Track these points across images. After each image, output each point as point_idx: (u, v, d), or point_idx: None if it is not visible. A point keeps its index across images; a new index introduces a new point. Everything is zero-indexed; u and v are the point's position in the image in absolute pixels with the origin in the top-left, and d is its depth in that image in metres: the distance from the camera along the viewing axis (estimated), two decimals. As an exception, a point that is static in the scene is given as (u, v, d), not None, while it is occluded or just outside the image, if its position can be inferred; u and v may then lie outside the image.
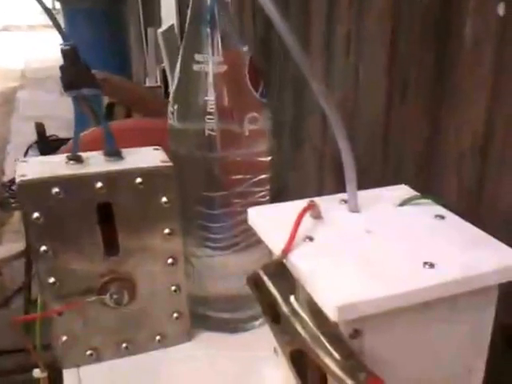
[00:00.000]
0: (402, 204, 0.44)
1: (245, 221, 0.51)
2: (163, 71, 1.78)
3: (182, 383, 0.49)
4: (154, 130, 0.75)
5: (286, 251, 0.37)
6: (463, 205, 0.46)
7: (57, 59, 0.46)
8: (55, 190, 0.44)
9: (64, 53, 0.45)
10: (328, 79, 0.75)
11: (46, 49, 4.82)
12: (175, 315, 0.52)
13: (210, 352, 0.53)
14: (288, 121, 0.93)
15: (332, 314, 0.34)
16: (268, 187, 0.53)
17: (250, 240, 0.52)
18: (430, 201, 0.45)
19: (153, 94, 1.34)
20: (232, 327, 0.55)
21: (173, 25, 1.71)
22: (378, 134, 0.67)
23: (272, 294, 0.36)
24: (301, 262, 0.37)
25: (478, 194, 0.51)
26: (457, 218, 0.42)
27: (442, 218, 0.42)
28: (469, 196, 0.52)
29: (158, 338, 0.52)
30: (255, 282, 0.36)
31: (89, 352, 0.50)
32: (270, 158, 0.53)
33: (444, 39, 0.53)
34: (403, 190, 0.47)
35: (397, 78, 0.62)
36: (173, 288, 0.51)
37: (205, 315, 0.55)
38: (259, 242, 0.53)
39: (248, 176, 0.51)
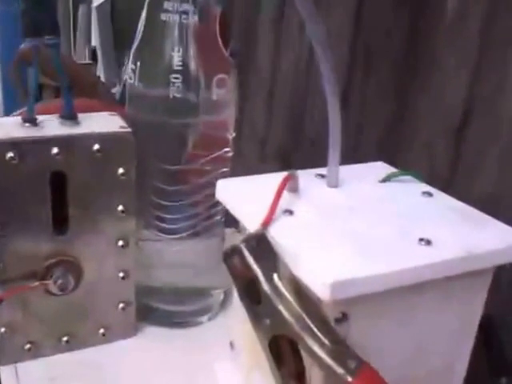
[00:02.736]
0: (385, 180, 0.41)
1: (204, 200, 0.46)
2: (93, 51, 1.71)
3: (127, 382, 0.45)
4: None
5: (267, 223, 0.33)
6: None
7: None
8: (10, 154, 0.40)
9: None
10: (279, 54, 0.71)
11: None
12: (121, 305, 0.47)
13: (157, 348, 0.48)
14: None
15: (322, 293, 0.30)
16: (229, 165, 0.49)
17: (206, 223, 0.48)
18: (411, 177, 0.42)
19: (87, 71, 1.27)
20: (179, 321, 0.51)
21: (107, -1, 1.64)
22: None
23: (253, 271, 0.32)
24: (283, 237, 0.33)
25: (449, 181, 0.48)
26: (445, 195, 0.40)
27: (430, 195, 0.40)
28: (440, 183, 0.49)
29: (101, 330, 0.47)
30: (233, 258, 0.32)
31: (27, 346, 0.45)
32: (235, 134, 0.49)
33: (420, 10, 0.50)
34: (381, 167, 0.44)
35: (360, 48, 0.58)
36: (121, 274, 0.47)
37: (150, 307, 0.50)
38: (216, 226, 0.49)
39: (210, 150, 0.47)
